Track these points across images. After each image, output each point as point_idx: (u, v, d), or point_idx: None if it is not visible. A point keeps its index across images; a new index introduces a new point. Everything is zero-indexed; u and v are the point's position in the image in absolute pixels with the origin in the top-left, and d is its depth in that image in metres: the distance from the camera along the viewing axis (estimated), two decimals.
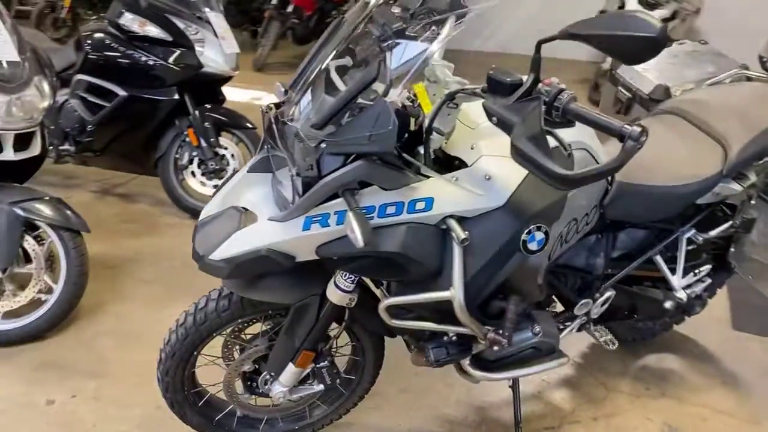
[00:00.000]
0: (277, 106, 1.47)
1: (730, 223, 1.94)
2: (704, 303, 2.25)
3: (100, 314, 2.55)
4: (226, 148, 3.23)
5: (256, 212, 1.43)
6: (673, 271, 1.98)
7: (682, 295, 1.98)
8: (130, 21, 2.93)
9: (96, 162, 3.38)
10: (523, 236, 1.37)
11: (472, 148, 1.41)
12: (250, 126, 3.21)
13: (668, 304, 2.00)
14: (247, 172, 1.50)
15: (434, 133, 1.44)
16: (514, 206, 1.38)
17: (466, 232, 1.35)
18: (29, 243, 2.34)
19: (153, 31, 2.96)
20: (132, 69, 3.01)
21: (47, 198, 2.36)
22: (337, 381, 1.80)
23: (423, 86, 1.48)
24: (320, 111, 1.30)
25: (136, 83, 3.05)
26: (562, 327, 1.97)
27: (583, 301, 1.90)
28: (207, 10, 3.16)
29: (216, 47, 3.14)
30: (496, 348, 1.47)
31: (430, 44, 1.33)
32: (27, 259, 2.36)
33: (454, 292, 1.35)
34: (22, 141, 2.30)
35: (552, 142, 1.43)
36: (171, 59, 3.01)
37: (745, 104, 1.95)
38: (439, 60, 1.56)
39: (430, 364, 1.58)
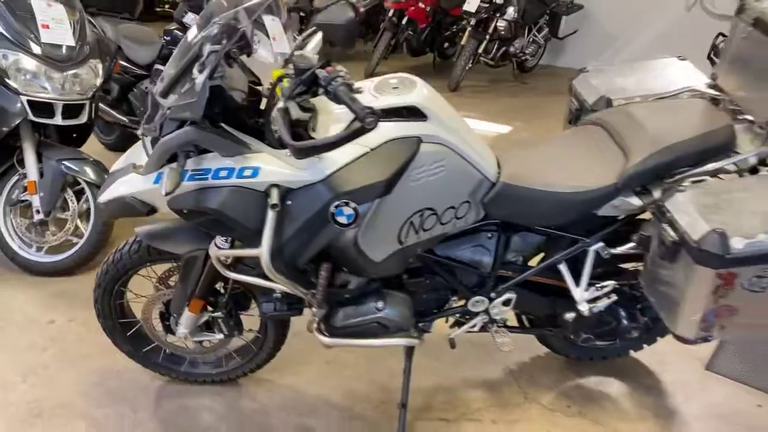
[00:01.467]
0: None
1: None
2: (647, 329, 2.15)
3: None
4: None
5: None
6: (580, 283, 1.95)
7: (584, 308, 1.94)
8: (191, 20, 3.41)
9: None
10: (332, 209, 1.52)
11: (326, 132, 1.59)
12: None
13: (568, 316, 1.98)
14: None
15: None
16: (332, 183, 1.53)
17: (289, 202, 1.54)
18: (69, 194, 2.86)
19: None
20: None
21: (90, 160, 2.87)
22: (236, 333, 2.04)
23: (281, 72, 1.67)
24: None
25: None
26: (462, 321, 2.03)
27: (476, 298, 1.95)
28: (265, 15, 3.55)
29: (268, 47, 3.52)
30: (314, 310, 1.62)
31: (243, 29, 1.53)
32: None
33: (262, 251, 1.53)
34: (73, 111, 2.82)
35: (386, 133, 1.58)
36: None
37: (667, 119, 1.87)
38: (308, 52, 1.73)
39: (261, 316, 1.77)
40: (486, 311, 1.99)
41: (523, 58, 6.75)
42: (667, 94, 2.04)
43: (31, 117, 2.69)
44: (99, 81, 2.90)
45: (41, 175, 2.80)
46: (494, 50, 6.47)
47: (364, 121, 1.27)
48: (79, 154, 2.88)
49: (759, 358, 2.44)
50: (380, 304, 1.76)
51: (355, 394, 2.23)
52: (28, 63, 2.68)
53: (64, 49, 2.77)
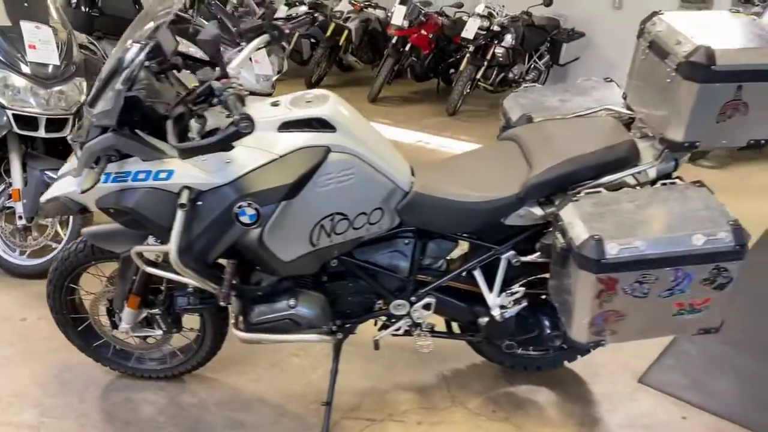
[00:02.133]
0: None
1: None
2: (564, 340, 2.21)
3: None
4: None
5: None
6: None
7: (496, 312, 2.03)
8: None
9: None
10: (235, 209, 1.66)
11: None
12: None
13: (481, 320, 2.08)
14: None
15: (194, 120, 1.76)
16: (238, 185, 1.68)
17: (199, 202, 1.69)
18: None
19: (193, 50, 3.63)
20: None
21: None
22: (174, 330, 2.18)
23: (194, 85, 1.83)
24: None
25: None
26: (388, 324, 2.14)
27: (397, 301, 2.06)
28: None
29: (250, 70, 3.74)
30: (222, 303, 1.76)
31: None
32: None
33: (170, 247, 1.68)
34: (57, 125, 3.04)
35: (295, 142, 1.72)
36: None
37: (573, 135, 1.98)
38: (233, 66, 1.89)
39: (177, 309, 1.91)
40: (408, 315, 2.09)
41: (523, 84, 6.86)
42: (585, 113, 2.14)
43: (16, 129, 2.92)
44: (83, 97, 3.11)
45: (25, 183, 3.01)
46: (493, 76, 6.60)
47: (239, 125, 1.43)
48: (60, 165, 3.08)
49: (694, 372, 2.48)
50: (292, 302, 1.89)
51: (291, 393, 2.34)
52: (14, 80, 2.91)
53: (50, 68, 2.99)
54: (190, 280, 1.81)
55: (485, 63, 6.42)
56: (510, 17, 6.40)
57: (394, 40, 6.79)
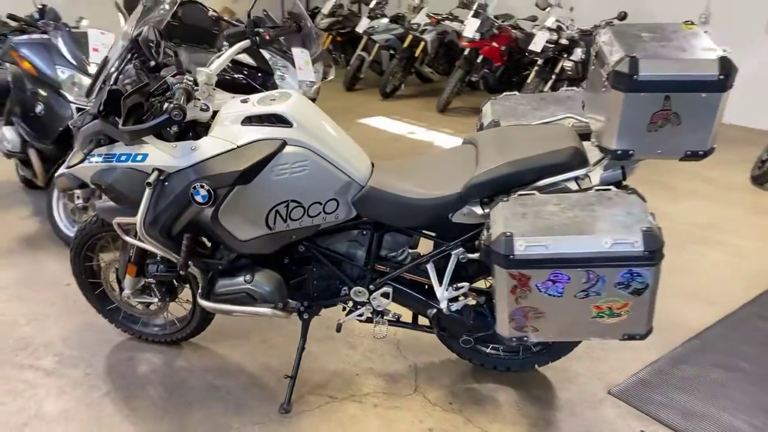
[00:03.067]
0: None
1: None
2: (528, 347, 2.28)
3: None
4: None
5: None
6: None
7: (443, 305, 2.14)
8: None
9: None
10: (191, 189, 1.90)
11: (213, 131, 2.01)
12: None
13: (429, 312, 2.19)
14: None
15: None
16: (197, 168, 1.93)
17: (166, 183, 1.95)
18: None
19: (242, 57, 3.96)
20: (228, 83, 4.06)
21: None
22: (168, 299, 2.46)
23: None
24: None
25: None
26: (352, 309, 2.30)
27: (357, 288, 2.23)
28: (294, 47, 4.06)
29: (293, 75, 4.02)
30: (182, 272, 2.00)
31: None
32: None
33: (137, 219, 1.94)
34: None
35: (254, 135, 1.94)
36: (256, 81, 3.98)
37: (522, 139, 2.05)
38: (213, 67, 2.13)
39: (149, 275, 2.17)
40: (369, 302, 2.25)
41: None
42: (550, 120, 2.20)
43: None
44: None
45: None
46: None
47: (171, 113, 1.67)
48: None
49: (674, 392, 2.43)
50: (248, 277, 2.11)
51: (269, 367, 2.55)
52: (81, 79, 3.36)
53: None
54: (156, 250, 2.07)
55: (554, 76, 6.39)
56: (580, 31, 6.33)
57: (466, 52, 6.91)
